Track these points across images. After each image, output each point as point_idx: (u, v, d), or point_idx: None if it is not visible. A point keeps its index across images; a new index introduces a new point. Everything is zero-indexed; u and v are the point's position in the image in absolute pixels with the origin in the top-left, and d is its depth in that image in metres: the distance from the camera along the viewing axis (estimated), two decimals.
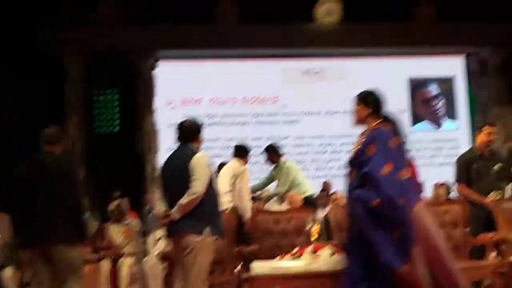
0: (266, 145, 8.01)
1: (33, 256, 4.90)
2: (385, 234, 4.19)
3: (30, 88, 9.73)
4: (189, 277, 4.68)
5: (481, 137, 6.33)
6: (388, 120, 4.52)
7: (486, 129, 6.33)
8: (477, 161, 6.25)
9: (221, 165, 7.45)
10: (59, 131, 5.14)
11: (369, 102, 4.56)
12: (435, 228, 4.38)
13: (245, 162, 7.30)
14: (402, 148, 4.45)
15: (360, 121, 4.59)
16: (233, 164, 7.31)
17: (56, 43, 10.18)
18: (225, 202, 6.84)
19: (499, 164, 6.22)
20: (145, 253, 7.80)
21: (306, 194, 7.53)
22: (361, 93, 4.64)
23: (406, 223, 4.17)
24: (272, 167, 7.77)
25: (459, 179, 6.32)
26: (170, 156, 5.02)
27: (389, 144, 4.36)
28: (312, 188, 7.90)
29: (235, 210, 6.76)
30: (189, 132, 4.92)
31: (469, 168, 6.20)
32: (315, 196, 7.82)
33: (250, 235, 6.07)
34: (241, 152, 7.33)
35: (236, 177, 7.12)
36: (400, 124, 4.56)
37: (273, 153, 7.70)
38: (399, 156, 4.35)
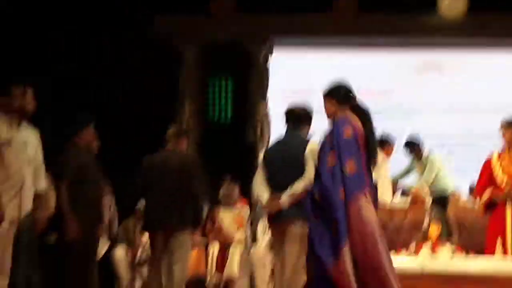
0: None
1: (154, 239, 5.55)
2: (323, 229, 4.11)
3: (148, 79, 9.95)
4: (292, 264, 4.55)
5: None
6: (356, 111, 4.43)
7: None
8: None
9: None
10: (180, 129, 5.42)
11: (334, 94, 4.53)
12: (375, 225, 4.13)
13: (386, 153, 7.19)
14: (356, 140, 4.24)
15: (330, 115, 4.50)
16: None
17: (174, 33, 10.33)
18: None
19: None
20: (254, 241, 7.77)
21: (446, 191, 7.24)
22: (326, 87, 4.61)
23: (339, 219, 4.03)
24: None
25: None
26: (279, 142, 4.93)
27: (342, 135, 4.26)
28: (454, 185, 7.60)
29: None
30: (301, 119, 4.81)
31: None
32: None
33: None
34: (381, 142, 7.24)
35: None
36: (369, 115, 4.46)
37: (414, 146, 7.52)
38: (348, 147, 4.19)
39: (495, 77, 10.81)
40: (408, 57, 11.13)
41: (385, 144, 7.37)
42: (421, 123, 10.92)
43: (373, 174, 6.74)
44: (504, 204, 4.96)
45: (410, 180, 8.06)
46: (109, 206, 7.61)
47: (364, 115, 4.41)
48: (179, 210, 5.49)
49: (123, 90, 9.96)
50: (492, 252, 4.71)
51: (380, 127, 10.46)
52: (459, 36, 10.69)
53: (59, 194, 4.84)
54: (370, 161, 4.24)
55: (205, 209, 8.16)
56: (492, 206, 5.06)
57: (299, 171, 4.51)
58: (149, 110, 9.86)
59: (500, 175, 5.08)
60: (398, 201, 7.89)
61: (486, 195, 4.96)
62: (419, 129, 10.83)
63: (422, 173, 7.64)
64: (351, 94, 4.55)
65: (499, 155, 5.09)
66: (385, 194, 6.82)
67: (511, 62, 10.83)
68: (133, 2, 10.17)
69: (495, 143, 5.97)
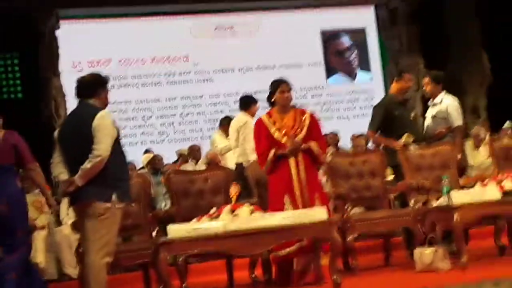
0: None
1: None
2: None
3: None
4: (91, 246, 4.35)
5: (401, 84, 6.32)
6: None
7: (406, 76, 6.33)
8: (398, 108, 6.22)
9: (228, 119, 7.57)
10: None
11: None
12: None
13: (251, 114, 7.07)
14: None
15: None
16: (237, 117, 7.28)
17: None
18: (233, 158, 7.03)
19: (415, 111, 6.23)
20: (58, 223, 7.43)
21: None
22: None
23: None
24: None
25: (371, 126, 6.29)
26: (69, 115, 4.66)
27: None
28: None
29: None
30: (88, 86, 4.53)
31: (388, 115, 6.15)
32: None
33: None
34: (244, 103, 7.11)
35: (238, 131, 6.91)
36: None
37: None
38: None
39: (285, 37, 11.25)
40: (203, 22, 11.20)
41: (249, 103, 7.31)
42: (221, 84, 11.12)
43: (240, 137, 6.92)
44: (287, 162, 5.09)
45: None
46: None
47: None
48: None
49: None
50: (279, 209, 4.84)
51: (180, 91, 10.86)
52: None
53: None
54: None
55: None
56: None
57: (88, 145, 4.28)
58: None
59: (277, 134, 5.16)
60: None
61: (271, 154, 5.08)
62: (220, 90, 11.11)
63: None
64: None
65: (269, 114, 5.20)
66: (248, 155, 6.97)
67: (295, 22, 11.38)
68: None
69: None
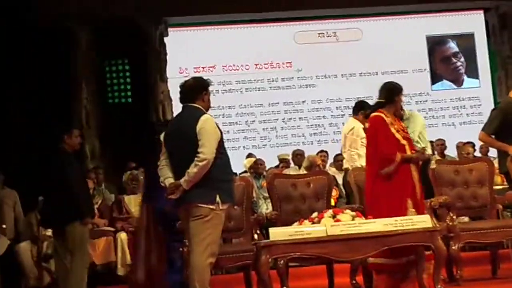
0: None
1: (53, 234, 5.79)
2: None
3: (38, 61, 9.54)
4: (196, 247, 4.42)
5: None
6: None
7: None
8: None
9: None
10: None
11: None
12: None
13: (360, 119, 7.09)
14: None
15: None
16: (346, 123, 7.30)
17: (65, 15, 9.96)
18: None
19: None
20: None
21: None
22: None
23: None
24: None
25: (486, 127, 6.07)
26: (174, 120, 4.78)
27: None
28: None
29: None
30: (191, 90, 4.63)
31: (506, 119, 5.93)
32: None
33: None
34: (355, 109, 7.15)
35: (346, 136, 7.00)
36: None
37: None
38: None
39: (390, 43, 11.12)
40: (306, 28, 11.26)
41: (357, 109, 7.20)
42: (323, 90, 11.14)
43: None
44: (408, 167, 5.04)
45: None
46: (12, 203, 7.39)
47: None
48: (59, 205, 5.46)
49: (13, 82, 9.52)
50: (401, 213, 4.75)
51: (283, 97, 10.93)
52: (351, 6, 10.93)
53: None
54: None
55: (111, 198, 8.08)
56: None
57: (193, 148, 4.37)
58: (42, 100, 9.48)
59: (398, 135, 5.14)
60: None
61: (398, 158, 5.02)
62: (322, 95, 11.12)
63: None
64: None
65: (384, 114, 5.15)
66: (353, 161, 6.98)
67: (400, 28, 11.22)
68: None
69: None
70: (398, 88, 5.28)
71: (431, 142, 8.04)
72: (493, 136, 6.00)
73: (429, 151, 7.26)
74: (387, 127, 5.14)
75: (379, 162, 5.06)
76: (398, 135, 5.16)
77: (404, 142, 5.18)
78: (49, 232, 7.16)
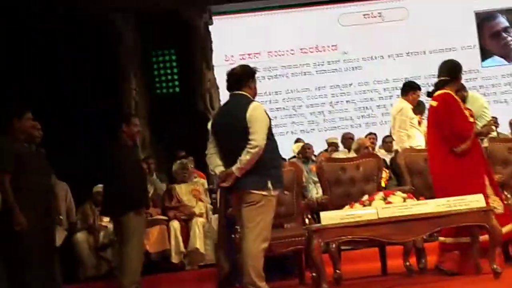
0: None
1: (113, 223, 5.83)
2: None
3: (84, 56, 9.70)
4: (248, 233, 4.46)
5: None
6: None
7: None
8: None
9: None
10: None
11: None
12: None
13: (408, 100, 7.03)
14: None
15: None
16: (395, 104, 7.28)
17: (109, 7, 10.09)
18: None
19: None
20: (215, 211, 7.74)
21: None
22: None
23: None
24: None
25: None
26: (223, 107, 4.80)
27: None
28: None
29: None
30: (238, 78, 4.64)
31: None
32: None
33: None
34: (403, 90, 7.12)
35: (395, 117, 6.97)
36: None
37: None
38: None
39: (437, 21, 10.94)
40: (350, 10, 11.16)
41: (406, 89, 7.07)
42: (370, 72, 11.04)
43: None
44: (478, 144, 5.01)
45: None
46: (64, 195, 7.54)
47: None
48: (113, 195, 5.56)
49: (63, 75, 9.71)
50: (480, 190, 4.68)
51: (329, 80, 10.87)
52: None
53: (2, 188, 4.73)
54: None
55: (162, 187, 8.19)
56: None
57: (244, 135, 4.39)
58: (92, 93, 9.65)
59: (467, 112, 5.11)
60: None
61: (473, 134, 5.01)
62: (368, 77, 11.03)
63: None
64: None
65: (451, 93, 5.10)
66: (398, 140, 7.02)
67: (447, 4, 11.01)
68: None
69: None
70: (459, 66, 5.24)
71: None
72: None
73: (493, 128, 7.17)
74: (459, 104, 5.09)
75: (453, 140, 4.95)
76: (466, 113, 5.13)
77: (471, 119, 5.16)
78: (105, 222, 7.33)
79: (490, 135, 6.41)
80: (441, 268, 4.94)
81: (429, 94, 5.27)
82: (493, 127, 5.88)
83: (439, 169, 5.03)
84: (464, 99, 7.17)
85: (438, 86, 5.19)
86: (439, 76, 5.20)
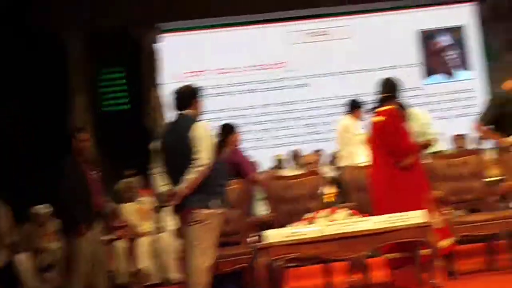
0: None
1: None
2: None
3: (30, 72, 9.56)
4: (194, 251, 4.49)
5: None
6: None
7: None
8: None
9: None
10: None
11: None
12: None
13: (354, 117, 7.12)
14: None
15: None
16: (341, 121, 7.37)
17: (54, 21, 9.98)
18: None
19: None
20: (161, 230, 7.69)
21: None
22: None
23: None
24: None
25: (481, 118, 6.15)
26: (168, 127, 4.83)
27: None
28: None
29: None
30: (184, 98, 4.70)
31: (499, 110, 5.97)
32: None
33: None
34: (349, 107, 7.21)
35: (339, 134, 7.01)
36: None
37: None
38: None
39: (382, 39, 11.16)
40: (297, 28, 11.28)
41: (353, 107, 7.27)
42: (317, 89, 11.16)
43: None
44: (419, 158, 5.14)
45: None
46: (4, 215, 7.39)
47: None
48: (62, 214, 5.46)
49: (8, 91, 9.53)
50: (422, 205, 4.77)
51: (276, 97, 10.96)
52: (340, 4, 10.96)
53: None
54: None
55: (109, 206, 8.08)
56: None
57: (189, 154, 4.43)
58: (37, 111, 9.50)
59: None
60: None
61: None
62: (315, 94, 11.15)
63: None
64: None
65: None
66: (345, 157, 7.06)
67: (392, 23, 11.26)
68: None
69: None
70: (399, 82, 5.37)
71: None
72: (489, 127, 6.06)
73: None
74: (404, 119, 5.21)
75: (399, 155, 5.06)
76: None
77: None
78: (51, 243, 7.20)
79: (432, 151, 6.59)
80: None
81: (373, 110, 5.38)
82: (432, 142, 6.08)
83: (384, 182, 5.11)
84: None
85: (381, 102, 5.31)
86: (380, 93, 5.32)
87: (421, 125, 7.15)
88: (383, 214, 4.71)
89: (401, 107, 6.70)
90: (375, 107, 5.33)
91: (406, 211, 4.62)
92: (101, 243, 5.82)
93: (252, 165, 6.63)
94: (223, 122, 10.58)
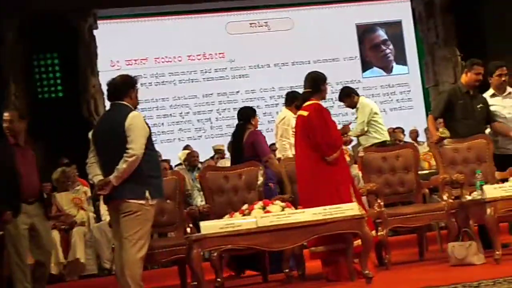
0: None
1: None
2: None
3: None
4: (125, 242, 4.45)
5: (470, 76, 6.21)
6: None
7: (476, 68, 6.22)
8: (464, 97, 6.16)
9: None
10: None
11: None
12: None
13: (292, 109, 7.10)
14: None
15: None
16: (279, 113, 7.33)
17: None
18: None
19: (481, 105, 6.14)
20: (98, 219, 7.60)
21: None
22: None
23: None
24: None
25: (433, 111, 6.35)
26: (102, 116, 4.77)
27: None
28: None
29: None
30: (119, 88, 4.64)
31: (451, 103, 6.12)
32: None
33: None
34: (287, 99, 7.15)
35: (277, 126, 7.00)
36: None
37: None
38: None
39: (320, 32, 11.28)
40: (238, 18, 11.29)
41: (290, 100, 7.25)
42: (257, 79, 11.21)
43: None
44: (343, 152, 5.17)
45: None
46: None
47: None
48: None
49: None
50: (349, 200, 4.84)
51: (216, 87, 10.95)
52: None
53: None
54: None
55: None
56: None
57: (122, 144, 4.38)
58: None
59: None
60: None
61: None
62: (255, 85, 11.20)
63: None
64: None
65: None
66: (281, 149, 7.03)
67: (330, 17, 11.39)
68: None
69: None
70: (322, 77, 5.34)
71: None
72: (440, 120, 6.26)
73: (386, 136, 7.48)
74: (329, 113, 5.25)
75: (325, 149, 5.09)
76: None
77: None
78: None
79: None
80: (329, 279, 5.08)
81: (297, 106, 5.43)
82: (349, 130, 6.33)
83: (309, 177, 5.15)
84: (354, 107, 7.47)
85: (303, 98, 5.35)
86: (304, 88, 5.35)
87: (369, 114, 7.30)
88: (308, 207, 4.78)
89: (355, 94, 7.35)
90: (300, 103, 5.36)
91: (329, 204, 4.71)
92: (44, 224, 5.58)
93: (269, 147, 6.62)
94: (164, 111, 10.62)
